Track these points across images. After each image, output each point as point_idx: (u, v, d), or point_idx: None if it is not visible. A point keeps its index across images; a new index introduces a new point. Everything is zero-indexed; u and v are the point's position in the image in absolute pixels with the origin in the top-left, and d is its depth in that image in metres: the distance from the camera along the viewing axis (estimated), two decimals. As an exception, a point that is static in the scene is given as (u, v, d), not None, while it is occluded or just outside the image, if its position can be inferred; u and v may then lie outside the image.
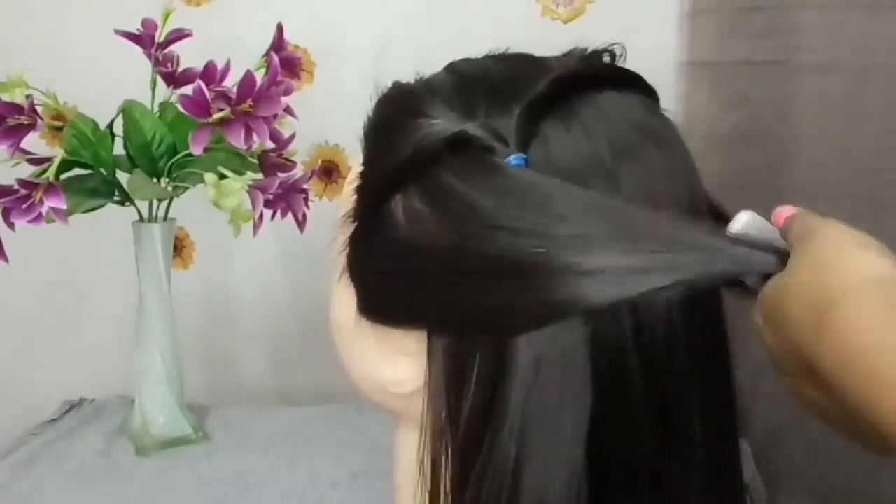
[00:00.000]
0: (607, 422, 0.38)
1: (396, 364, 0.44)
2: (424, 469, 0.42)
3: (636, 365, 0.38)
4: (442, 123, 0.40)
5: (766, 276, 0.37)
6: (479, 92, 0.42)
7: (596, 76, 0.42)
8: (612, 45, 0.45)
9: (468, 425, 0.39)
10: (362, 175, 0.45)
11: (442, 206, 0.39)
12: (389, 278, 0.43)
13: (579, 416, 0.37)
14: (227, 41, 0.87)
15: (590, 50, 0.45)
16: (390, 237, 0.42)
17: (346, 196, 0.46)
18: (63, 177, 0.78)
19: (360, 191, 0.45)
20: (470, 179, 0.39)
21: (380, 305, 0.44)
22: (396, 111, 0.43)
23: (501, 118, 0.40)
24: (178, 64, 0.85)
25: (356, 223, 0.45)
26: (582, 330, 0.37)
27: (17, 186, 0.72)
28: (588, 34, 0.46)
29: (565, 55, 0.45)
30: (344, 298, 0.46)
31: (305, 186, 0.81)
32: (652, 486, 0.39)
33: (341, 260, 0.46)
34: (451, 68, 0.45)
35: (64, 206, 0.73)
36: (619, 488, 0.39)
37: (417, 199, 0.40)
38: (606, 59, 0.45)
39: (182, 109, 0.75)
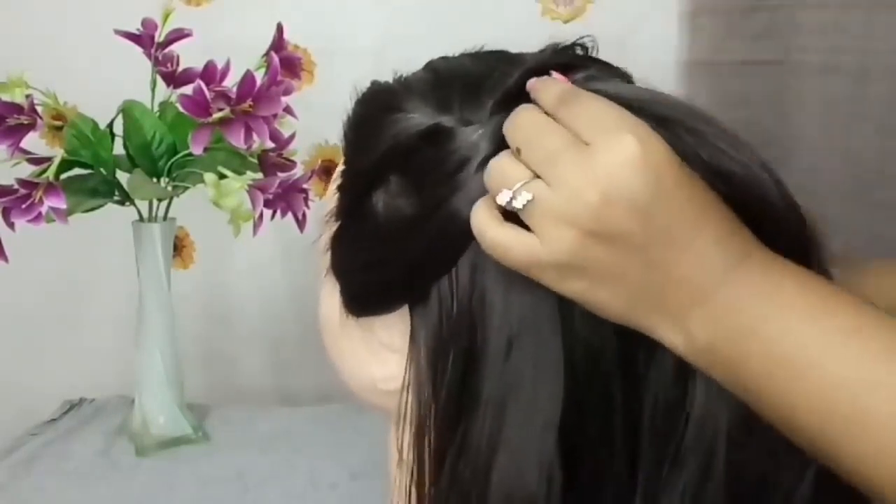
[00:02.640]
0: (581, 410, 0.38)
1: (384, 361, 0.44)
2: (406, 459, 0.42)
3: (612, 352, 0.38)
4: (418, 118, 0.41)
5: None
6: (454, 87, 0.42)
7: (567, 67, 0.42)
8: (581, 37, 0.46)
9: (444, 414, 0.40)
10: (343, 174, 0.46)
11: (418, 192, 0.41)
12: (370, 269, 0.44)
13: (551, 404, 0.38)
14: (227, 41, 0.87)
15: (562, 44, 0.46)
16: (371, 230, 0.43)
17: (330, 196, 0.47)
18: (63, 177, 0.78)
19: (342, 189, 0.46)
20: (444, 165, 0.40)
21: (362, 298, 0.45)
22: (373, 109, 0.44)
23: (476, 111, 0.41)
24: (177, 64, 0.84)
25: (338, 221, 0.45)
26: (555, 318, 0.38)
27: (17, 186, 0.72)
28: (588, 34, 0.46)
29: (540, 51, 0.45)
30: (330, 297, 0.47)
31: (305, 186, 0.81)
32: (625, 476, 0.39)
33: (325, 259, 0.47)
34: (428, 66, 0.46)
35: (64, 206, 0.73)
36: (591, 477, 0.39)
37: (396, 191, 0.42)
38: (580, 51, 0.46)
39: (182, 109, 0.75)
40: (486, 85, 0.42)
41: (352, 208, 0.44)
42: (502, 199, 0.37)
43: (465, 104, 0.41)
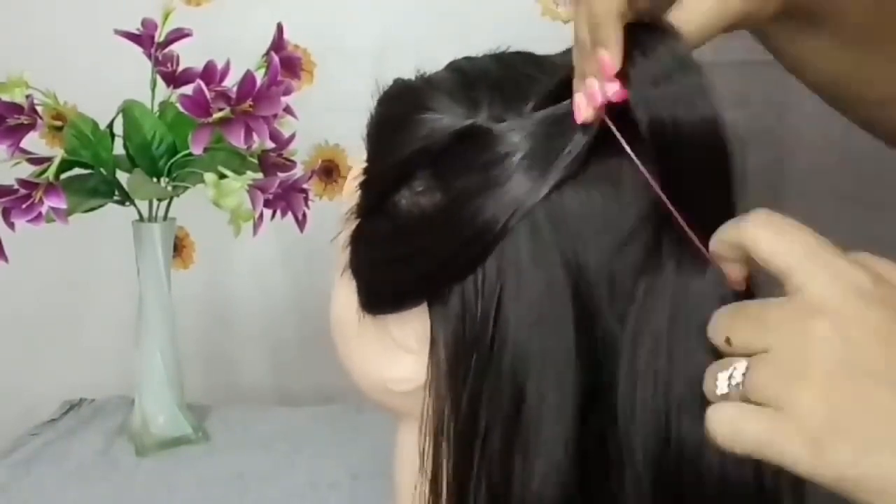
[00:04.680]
0: (597, 413, 0.38)
1: (398, 362, 0.44)
2: (425, 462, 0.42)
3: (627, 359, 0.38)
4: (449, 118, 0.41)
5: None
6: (481, 88, 0.42)
7: None
8: None
9: (466, 419, 0.40)
10: (367, 171, 0.46)
11: (445, 188, 0.41)
12: (390, 263, 0.44)
13: (568, 410, 0.38)
14: (227, 41, 0.87)
15: None
16: (394, 228, 0.43)
17: (349, 193, 0.47)
18: (63, 177, 0.78)
19: (365, 186, 0.45)
20: (477, 164, 0.39)
21: (381, 295, 0.45)
22: (400, 108, 0.44)
23: (506, 113, 0.41)
24: (178, 64, 0.84)
25: (360, 219, 0.45)
26: (570, 323, 0.38)
27: (17, 186, 0.72)
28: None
29: (564, 53, 0.45)
30: (345, 296, 0.46)
31: (305, 186, 0.81)
32: (641, 473, 0.39)
33: (343, 257, 0.46)
34: (453, 66, 0.46)
35: (64, 206, 0.73)
36: (610, 479, 0.39)
37: (423, 190, 0.41)
38: None
39: (182, 109, 0.75)
40: (515, 88, 0.41)
41: (376, 206, 0.44)
42: (721, 383, 0.33)
43: (494, 105, 0.41)
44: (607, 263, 0.38)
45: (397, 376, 0.45)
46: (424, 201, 0.41)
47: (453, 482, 0.41)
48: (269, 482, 0.82)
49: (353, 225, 0.46)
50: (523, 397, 0.38)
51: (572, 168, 0.38)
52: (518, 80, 0.42)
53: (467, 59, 0.46)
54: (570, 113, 0.39)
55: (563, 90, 0.40)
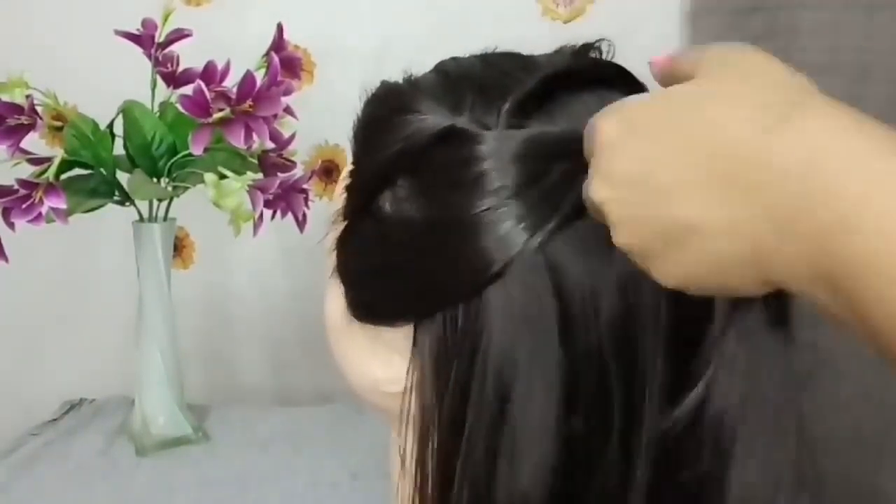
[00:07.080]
0: (580, 414, 0.38)
1: (388, 363, 0.44)
2: (408, 464, 0.42)
3: (611, 359, 0.38)
4: (431, 119, 0.40)
5: None
6: (465, 89, 0.42)
7: (584, 73, 0.42)
8: (598, 41, 0.45)
9: (450, 420, 0.40)
10: (352, 174, 0.46)
11: (428, 196, 0.40)
12: (376, 274, 0.44)
13: (554, 411, 0.38)
14: (227, 41, 0.87)
15: (578, 46, 0.45)
16: (378, 232, 0.42)
17: (338, 196, 0.47)
18: (63, 177, 0.78)
19: (350, 189, 0.45)
20: (457, 170, 0.39)
21: (367, 302, 0.45)
22: (384, 109, 0.44)
23: (489, 115, 0.40)
24: (178, 64, 0.85)
25: (345, 222, 0.45)
26: (555, 324, 0.37)
27: (17, 186, 0.72)
28: (588, 34, 0.46)
29: (555, 52, 0.45)
30: (335, 298, 0.47)
31: (305, 186, 0.81)
32: (623, 476, 0.39)
33: (331, 260, 0.46)
34: (438, 67, 0.46)
35: (64, 206, 0.73)
36: (592, 479, 0.39)
37: (406, 193, 0.41)
38: (594, 55, 0.45)
39: (182, 109, 0.75)
40: (499, 88, 0.41)
41: (358, 210, 0.44)
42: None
43: (476, 106, 0.41)
44: (593, 271, 0.38)
45: (388, 377, 0.44)
46: (408, 210, 0.41)
47: (437, 483, 0.41)
48: (269, 482, 0.82)
49: (340, 228, 0.46)
50: (508, 398, 0.38)
51: (566, 216, 0.38)
52: (502, 81, 0.42)
53: (454, 59, 0.46)
54: (559, 140, 0.38)
55: (542, 89, 0.40)
